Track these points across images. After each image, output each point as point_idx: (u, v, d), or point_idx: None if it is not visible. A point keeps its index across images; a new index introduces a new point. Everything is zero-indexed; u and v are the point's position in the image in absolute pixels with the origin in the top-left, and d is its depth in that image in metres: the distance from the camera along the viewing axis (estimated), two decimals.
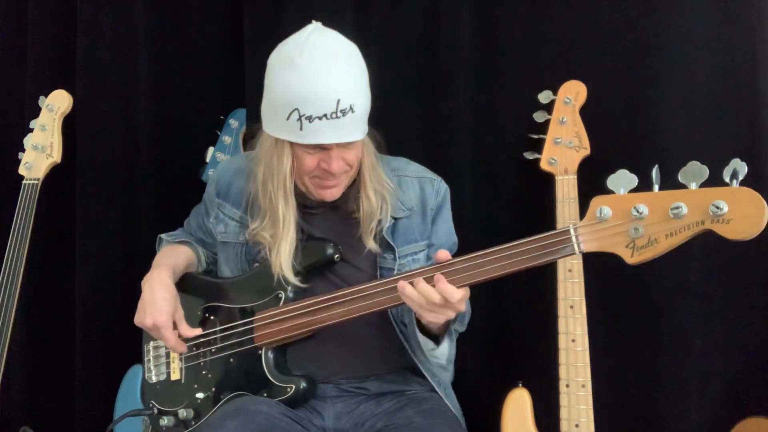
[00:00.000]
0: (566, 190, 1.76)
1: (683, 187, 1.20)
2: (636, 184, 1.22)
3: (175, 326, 1.53)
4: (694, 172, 1.18)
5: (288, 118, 1.41)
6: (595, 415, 1.65)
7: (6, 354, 1.93)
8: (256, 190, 1.55)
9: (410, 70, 2.00)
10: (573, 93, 1.81)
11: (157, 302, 1.50)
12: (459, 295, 1.31)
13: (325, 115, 1.40)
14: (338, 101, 1.40)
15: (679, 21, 1.82)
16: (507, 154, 1.95)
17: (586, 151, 1.79)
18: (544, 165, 1.82)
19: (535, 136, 1.85)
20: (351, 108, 1.42)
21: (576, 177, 1.77)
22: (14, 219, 2.00)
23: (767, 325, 1.77)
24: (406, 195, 1.60)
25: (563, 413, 1.66)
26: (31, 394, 2.34)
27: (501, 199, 1.98)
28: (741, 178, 1.16)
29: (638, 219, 1.19)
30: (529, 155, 1.85)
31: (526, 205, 1.94)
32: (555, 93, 1.83)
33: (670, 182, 1.23)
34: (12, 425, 2.24)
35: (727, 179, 1.17)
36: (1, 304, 1.94)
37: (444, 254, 1.35)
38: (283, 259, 1.50)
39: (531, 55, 1.95)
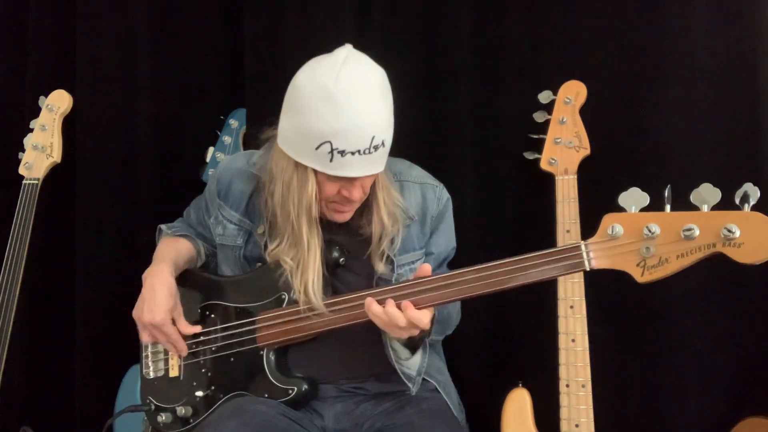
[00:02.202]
0: (566, 190, 1.76)
1: (689, 202, 1.20)
2: (648, 202, 1.22)
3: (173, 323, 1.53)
4: (706, 194, 1.18)
5: (318, 149, 1.37)
6: (595, 415, 1.65)
7: (6, 354, 1.93)
8: (274, 208, 1.50)
9: (410, 70, 2.00)
10: (573, 93, 1.81)
11: (157, 299, 1.50)
12: (426, 320, 1.33)
13: (358, 151, 1.37)
14: (373, 138, 1.37)
15: (679, 21, 1.82)
16: (507, 154, 1.95)
17: (586, 151, 1.79)
18: (544, 165, 1.82)
19: (535, 136, 1.85)
20: (383, 143, 1.40)
21: (576, 177, 1.78)
22: (14, 219, 2.00)
23: (767, 326, 1.77)
24: (407, 202, 1.57)
25: (563, 413, 1.66)
26: (31, 394, 2.34)
27: (501, 200, 1.98)
28: (753, 202, 1.16)
29: (650, 238, 1.19)
30: (529, 155, 1.85)
31: (526, 205, 1.94)
32: (555, 93, 1.83)
33: (670, 182, 1.23)
34: (12, 425, 2.24)
35: (737, 202, 1.16)
36: (1, 304, 1.94)
37: (425, 269, 1.37)
38: (310, 284, 1.46)
39: (531, 55, 1.95)
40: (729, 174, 1.75)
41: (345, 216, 1.50)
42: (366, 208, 1.53)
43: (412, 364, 1.52)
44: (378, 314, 1.34)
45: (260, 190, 1.57)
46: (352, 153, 1.37)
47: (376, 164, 1.43)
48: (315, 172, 1.42)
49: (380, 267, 1.52)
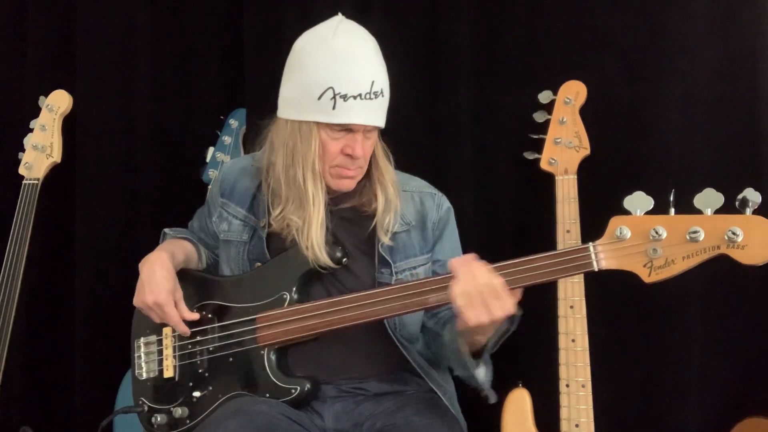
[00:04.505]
0: (566, 190, 1.77)
1: (690, 204, 1.22)
2: (652, 206, 1.25)
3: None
4: (709, 198, 1.21)
5: (320, 98, 1.42)
6: (595, 415, 1.65)
7: (6, 353, 1.93)
8: (277, 179, 1.52)
9: (410, 70, 2.00)
10: (573, 93, 1.81)
11: (157, 280, 1.51)
12: (500, 281, 1.27)
13: (360, 95, 1.42)
14: (373, 82, 1.44)
15: (679, 21, 1.82)
16: (507, 154, 1.95)
17: (586, 151, 1.79)
18: (544, 165, 1.82)
19: (535, 136, 1.85)
20: (382, 92, 1.46)
21: (576, 177, 1.78)
22: (14, 219, 2.00)
23: (766, 326, 1.78)
24: (404, 209, 1.58)
25: (563, 413, 1.66)
26: (31, 393, 2.34)
27: (501, 200, 1.98)
28: (753, 206, 1.18)
29: (656, 240, 1.22)
30: (529, 155, 1.85)
31: (526, 205, 1.94)
32: (555, 93, 1.83)
33: (670, 182, 1.23)
34: (12, 425, 2.24)
35: (737, 206, 1.19)
36: (1, 304, 1.94)
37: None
38: (314, 237, 1.48)
39: (531, 55, 1.95)
40: (728, 174, 1.75)
41: (349, 183, 1.52)
42: (368, 183, 1.56)
43: (477, 374, 1.51)
44: (464, 274, 1.28)
45: (264, 184, 1.58)
46: (354, 97, 1.42)
47: (377, 114, 1.48)
48: (318, 128, 1.46)
49: (385, 238, 1.53)
